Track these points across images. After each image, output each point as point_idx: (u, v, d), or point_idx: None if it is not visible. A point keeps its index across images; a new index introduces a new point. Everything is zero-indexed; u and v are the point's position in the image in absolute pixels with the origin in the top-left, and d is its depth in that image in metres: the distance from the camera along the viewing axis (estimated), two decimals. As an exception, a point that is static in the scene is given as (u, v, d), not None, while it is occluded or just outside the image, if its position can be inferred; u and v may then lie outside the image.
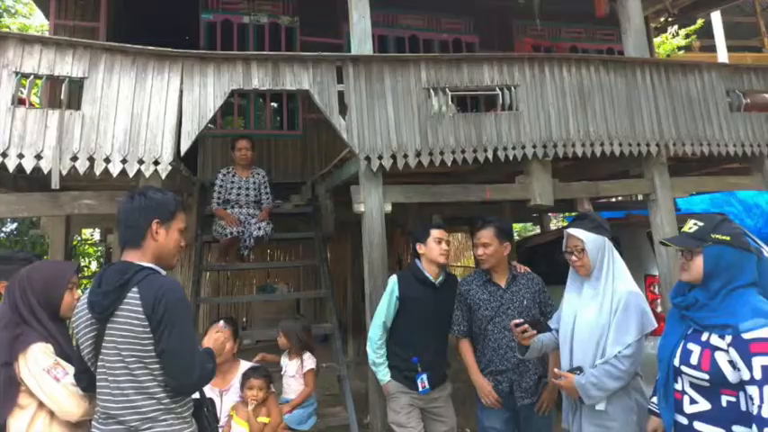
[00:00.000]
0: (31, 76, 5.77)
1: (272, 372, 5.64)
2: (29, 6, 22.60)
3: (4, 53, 5.73)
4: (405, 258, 16.39)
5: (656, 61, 8.29)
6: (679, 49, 23.22)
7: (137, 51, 6.03)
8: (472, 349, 5.44)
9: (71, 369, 3.55)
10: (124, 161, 5.76)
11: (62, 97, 5.74)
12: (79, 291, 4.03)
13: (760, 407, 3.15)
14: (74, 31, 10.62)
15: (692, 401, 3.55)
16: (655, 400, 3.95)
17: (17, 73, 5.72)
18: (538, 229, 18.55)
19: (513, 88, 7.02)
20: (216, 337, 4.01)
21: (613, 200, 13.49)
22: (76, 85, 5.93)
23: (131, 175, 5.78)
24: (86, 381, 3.39)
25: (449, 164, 6.63)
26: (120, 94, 5.90)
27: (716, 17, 19.92)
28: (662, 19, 14.81)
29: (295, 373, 5.97)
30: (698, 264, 3.60)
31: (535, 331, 4.48)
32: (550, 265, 8.32)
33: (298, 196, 10.53)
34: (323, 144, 11.92)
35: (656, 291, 7.29)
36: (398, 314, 5.54)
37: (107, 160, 5.72)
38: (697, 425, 3.50)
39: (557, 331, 4.65)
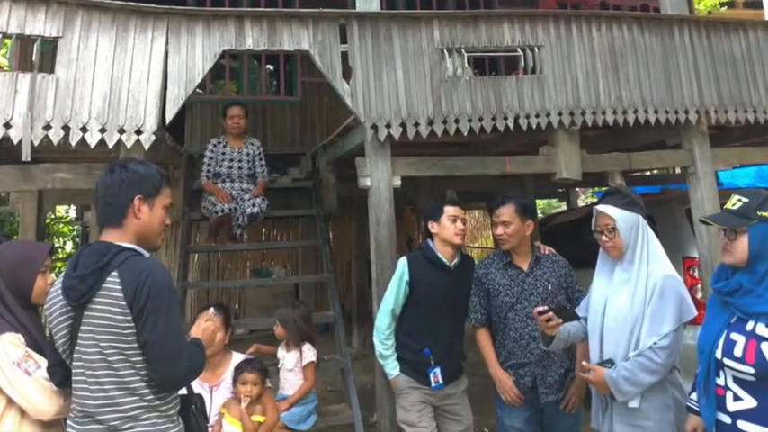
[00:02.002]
0: (-1, 36, 5.75)
1: (267, 365, 5.66)
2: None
3: (-31, 10, 5.71)
4: (416, 238, 16.43)
5: (696, 19, 8.24)
6: (721, 5, 23.13)
7: (117, 8, 5.99)
8: (491, 340, 5.42)
9: (44, 362, 3.54)
10: (103, 130, 5.72)
11: (34, 59, 5.72)
12: (53, 275, 4.02)
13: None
14: (46, -14, 10.59)
15: (736, 398, 3.53)
16: (694, 396, 3.94)
17: (-17, 32, 5.70)
18: (564, 206, 18.57)
19: (536, 49, 6.96)
20: (205, 326, 3.99)
21: (648, 173, 13.47)
22: (50, 46, 5.90)
23: (111, 145, 5.75)
24: (61, 375, 3.37)
25: (465, 133, 6.58)
26: (98, 56, 5.87)
27: (763, -31, 19.76)
28: (703, -29, 14.74)
29: (293, 366, 5.97)
30: (742, 244, 3.57)
31: (561, 320, 4.44)
32: (578, 247, 8.31)
33: (296, 169, 10.53)
34: (324, 111, 11.90)
35: (696, 274, 7.27)
36: (409, 301, 5.52)
37: (84, 129, 5.69)
38: (741, 424, 3.48)
39: (585, 320, 4.63)
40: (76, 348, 3.18)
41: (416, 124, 6.46)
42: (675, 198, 8.62)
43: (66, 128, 5.66)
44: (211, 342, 4.02)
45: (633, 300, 4.23)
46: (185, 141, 10.81)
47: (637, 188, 9.37)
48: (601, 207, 4.40)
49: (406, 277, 5.48)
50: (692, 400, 3.97)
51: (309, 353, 5.98)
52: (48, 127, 5.62)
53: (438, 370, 5.35)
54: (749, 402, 3.46)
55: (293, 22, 6.36)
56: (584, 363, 4.40)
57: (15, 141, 5.53)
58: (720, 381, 3.62)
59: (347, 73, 6.44)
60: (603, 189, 10.36)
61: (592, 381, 4.28)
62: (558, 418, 5.18)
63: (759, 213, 3.54)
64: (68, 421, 3.27)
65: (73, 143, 5.67)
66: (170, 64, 6.02)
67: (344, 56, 6.46)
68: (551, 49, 7.00)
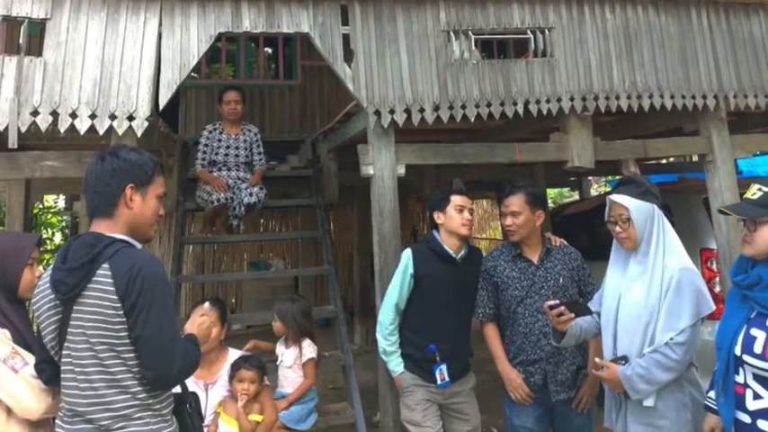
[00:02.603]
0: (-16, 18, 5.73)
1: (265, 362, 5.65)
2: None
3: (-48, -10, 5.70)
4: (420, 229, 16.42)
5: (715, 0, 8.23)
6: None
7: (107, -13, 5.98)
8: (499, 335, 5.41)
9: (31, 359, 3.53)
10: (93, 116, 5.72)
11: (21, 41, 5.71)
12: (41, 267, 4.02)
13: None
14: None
15: (756, 396, 3.53)
16: (712, 394, 3.93)
17: (-33, 14, 5.69)
18: (576, 196, 18.56)
19: (546, 31, 6.93)
20: (200, 321, 3.99)
21: (664, 161, 13.45)
22: (37, 28, 5.89)
23: (101, 132, 5.74)
24: (49, 372, 3.36)
25: (472, 119, 6.56)
26: (88, 39, 5.85)
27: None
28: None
29: (292, 363, 5.96)
30: (763, 236, 3.57)
31: (573, 314, 4.42)
32: (591, 238, 8.31)
33: (296, 157, 10.53)
34: (325, 96, 11.90)
35: (714, 267, 7.27)
36: (413, 294, 5.51)
37: (73, 115, 5.68)
38: (761, 423, 3.48)
39: (598, 314, 4.62)
40: (66, 344, 3.17)
41: (421, 110, 6.44)
42: (692, 187, 8.60)
43: (54, 114, 5.65)
44: (207, 338, 4.03)
45: (648, 293, 4.21)
46: (179, 128, 10.82)
47: (652, 177, 9.36)
48: (614, 196, 4.38)
49: (411, 270, 5.47)
50: (710, 398, 3.97)
51: (309, 349, 5.96)
52: (35, 113, 5.61)
53: (444, 367, 5.34)
54: (770, 401, 3.46)
55: (292, 2, 6.34)
56: (596, 359, 4.40)
57: (1, 128, 5.52)
58: (740, 378, 3.61)
59: (349, 56, 6.42)
60: (617, 178, 10.36)
61: (605, 378, 4.27)
62: (569, 417, 5.17)
63: (781, 203, 3.53)
64: (57, 421, 3.25)
65: (62, 130, 5.67)
66: (163, 47, 6.00)
67: (346, 38, 6.43)
68: (563, 31, 6.97)
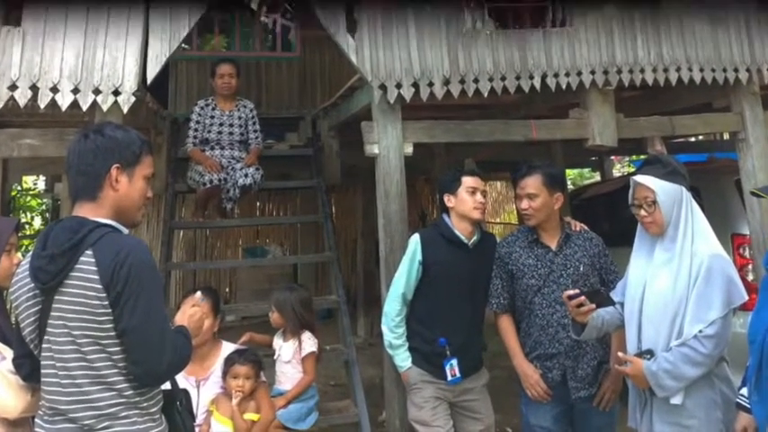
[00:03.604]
0: (-43, -16, 5.72)
1: (262, 356, 5.65)
2: None
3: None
4: (430, 213, 16.40)
5: (748, -36, 8.19)
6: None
7: (91, -48, 5.96)
8: (515, 328, 5.40)
9: (9, 353, 3.53)
10: (76, 90, 5.70)
11: (-4, 10, 5.71)
12: (19, 254, 4.02)
13: None
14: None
15: (793, 393, 3.52)
16: (745, 391, 3.92)
17: (-61, -20, 5.68)
18: (597, 177, 18.53)
19: (566, -2, 6.92)
20: (192, 312, 3.98)
21: (692, 139, 13.43)
22: (15, -5, 5.89)
23: (85, 108, 5.73)
24: (29, 367, 3.36)
25: (485, 94, 6.55)
26: (70, 7, 5.82)
27: None
28: None
29: (291, 357, 5.94)
30: (800, 220, 3.56)
31: (594, 305, 4.41)
32: (613, 222, 8.29)
33: (295, 135, 10.52)
34: (326, 69, 11.86)
35: (747, 254, 7.25)
36: (422, 283, 5.49)
37: (54, 89, 5.66)
38: (798, 423, 3.47)
39: (621, 305, 4.61)
40: (46, 338, 3.15)
41: (430, 84, 6.42)
42: (723, 167, 8.59)
43: (34, 88, 5.63)
44: (199, 330, 4.02)
45: (676, 282, 4.19)
46: (169, 103, 10.80)
47: (680, 156, 9.36)
48: (639, 178, 4.36)
49: (419, 257, 5.44)
50: (742, 395, 3.96)
51: (309, 343, 5.94)
52: (13, 87, 5.59)
53: (455, 362, 5.32)
54: (807, 398, 3.45)
55: (291, -33, 6.33)
56: (620, 354, 4.39)
57: (-24, 104, 5.52)
58: (775, 374, 3.60)
59: (352, 26, 6.39)
60: (642, 157, 10.34)
61: (629, 374, 4.27)
62: (590, 416, 5.15)
63: (819, 185, 3.52)
64: (37, 420, 3.24)
65: (42, 105, 5.65)
66: (152, 16, 5.98)
67: (349, 6, 6.41)
68: (583, -3, 6.95)
